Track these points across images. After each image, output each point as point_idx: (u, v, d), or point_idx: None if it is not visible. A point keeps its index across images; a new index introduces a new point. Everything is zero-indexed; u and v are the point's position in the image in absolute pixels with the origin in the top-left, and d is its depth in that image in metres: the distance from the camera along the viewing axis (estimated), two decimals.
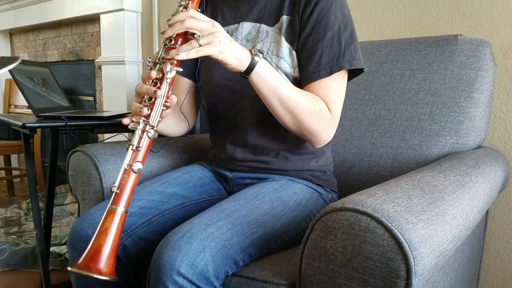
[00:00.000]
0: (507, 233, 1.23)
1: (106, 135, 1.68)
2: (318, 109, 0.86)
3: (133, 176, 0.72)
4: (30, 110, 1.42)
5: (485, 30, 1.22)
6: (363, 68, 0.91)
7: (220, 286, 0.74)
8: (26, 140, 1.37)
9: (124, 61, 2.19)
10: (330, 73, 0.87)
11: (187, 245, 0.71)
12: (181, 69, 0.78)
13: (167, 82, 0.76)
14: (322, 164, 1.01)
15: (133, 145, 0.73)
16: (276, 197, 0.89)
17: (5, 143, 2.61)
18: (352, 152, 1.18)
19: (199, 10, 0.82)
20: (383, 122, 1.16)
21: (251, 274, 0.77)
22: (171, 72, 0.75)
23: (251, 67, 0.80)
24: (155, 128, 0.75)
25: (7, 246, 1.67)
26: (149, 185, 0.97)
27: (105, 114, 1.40)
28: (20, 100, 2.78)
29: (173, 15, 0.79)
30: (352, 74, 0.92)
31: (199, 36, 0.75)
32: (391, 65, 1.19)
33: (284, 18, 0.93)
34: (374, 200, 0.62)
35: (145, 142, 0.74)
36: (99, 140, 2.20)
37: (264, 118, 0.94)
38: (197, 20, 0.75)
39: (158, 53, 0.78)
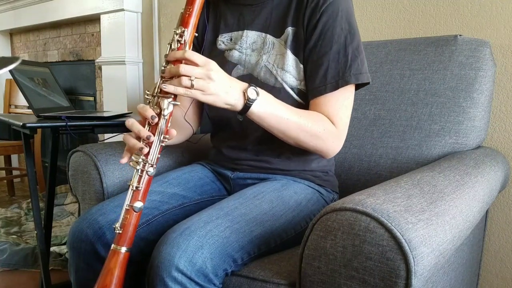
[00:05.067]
0: (506, 233, 1.23)
1: (106, 135, 1.68)
2: (323, 130, 0.86)
3: (134, 215, 0.74)
4: (31, 110, 1.42)
5: (485, 30, 1.22)
6: (369, 82, 0.90)
7: (220, 284, 0.74)
8: (26, 140, 1.37)
9: (124, 61, 2.20)
10: (336, 87, 0.87)
11: (185, 242, 0.72)
12: (178, 103, 0.77)
13: (164, 118, 0.75)
14: (323, 164, 1.02)
15: (133, 186, 0.75)
16: (276, 196, 0.89)
17: (6, 143, 2.61)
18: (352, 152, 1.18)
19: (197, 35, 0.81)
20: (383, 122, 1.16)
21: (251, 273, 0.77)
22: (168, 108, 0.75)
23: (245, 110, 0.80)
24: (154, 166, 0.76)
25: (7, 246, 1.67)
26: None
27: (105, 114, 1.40)
28: (21, 100, 2.78)
29: (169, 44, 0.77)
30: (358, 85, 0.92)
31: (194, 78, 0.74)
32: (391, 65, 1.19)
33: (290, 30, 0.92)
34: (374, 200, 0.62)
35: (145, 181, 0.75)
36: (99, 140, 2.20)
37: None
38: (192, 67, 0.74)
39: (156, 86, 0.78)
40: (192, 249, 0.71)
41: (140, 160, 0.75)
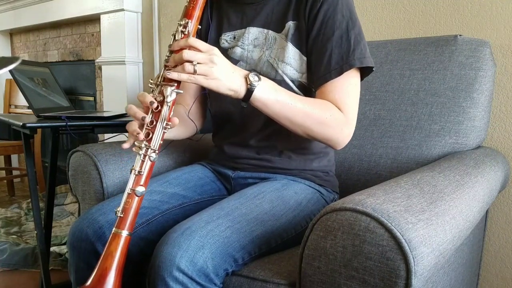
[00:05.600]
0: (506, 233, 1.23)
1: (106, 135, 1.68)
2: (330, 115, 0.85)
3: (136, 200, 0.74)
4: (31, 110, 1.42)
5: (485, 30, 1.22)
6: (373, 68, 0.89)
7: (220, 283, 0.74)
8: (26, 140, 1.37)
9: (124, 61, 2.20)
10: (341, 72, 0.86)
11: (186, 241, 0.72)
12: (181, 91, 0.78)
13: (167, 105, 0.77)
14: (324, 164, 1.02)
15: (135, 170, 0.75)
16: (277, 196, 0.89)
17: (6, 143, 2.61)
18: (352, 152, 1.18)
19: (200, 27, 0.82)
20: (383, 122, 1.16)
21: (251, 273, 0.77)
22: (171, 95, 0.76)
23: (248, 95, 0.80)
24: (157, 152, 0.76)
25: (7, 246, 1.67)
26: (150, 185, 0.97)
27: (105, 114, 1.40)
28: (21, 100, 2.78)
29: (173, 35, 0.79)
30: (363, 74, 0.91)
31: (197, 63, 0.75)
32: (391, 65, 1.19)
33: (291, 24, 0.93)
34: (374, 200, 0.62)
35: (147, 166, 0.76)
36: (99, 140, 2.20)
37: (269, 121, 0.94)
38: (195, 53, 0.75)
39: (159, 75, 0.79)
40: (193, 249, 0.71)
41: (143, 145, 0.76)
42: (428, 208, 0.66)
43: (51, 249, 1.61)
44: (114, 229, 0.73)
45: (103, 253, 0.72)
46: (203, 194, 1.01)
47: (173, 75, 0.75)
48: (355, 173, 1.16)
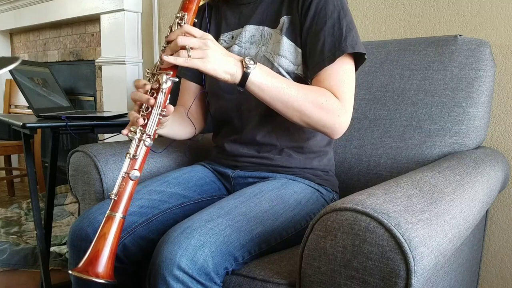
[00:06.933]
0: (506, 233, 1.23)
1: (106, 135, 1.68)
2: (325, 101, 0.86)
3: (130, 183, 0.75)
4: (31, 110, 1.42)
5: (485, 30, 1.22)
6: (365, 55, 0.90)
7: (220, 282, 0.75)
8: (26, 140, 1.37)
9: (124, 61, 2.20)
10: (333, 59, 0.87)
11: (186, 240, 0.72)
12: (176, 79, 0.80)
13: (163, 92, 0.78)
14: (324, 164, 1.02)
15: (130, 154, 0.76)
16: (276, 195, 0.89)
17: (6, 143, 2.61)
18: (351, 152, 1.18)
19: (196, 21, 0.85)
20: (383, 122, 1.16)
21: (251, 273, 0.77)
22: (166, 82, 0.78)
23: (244, 79, 0.81)
24: (152, 137, 0.78)
25: (7, 246, 1.67)
26: (149, 184, 0.97)
27: (105, 114, 1.40)
28: (21, 100, 2.78)
29: (170, 27, 0.82)
30: (356, 63, 0.92)
31: (190, 48, 0.77)
32: (391, 65, 1.19)
33: (285, 18, 0.95)
34: (374, 200, 0.62)
35: (142, 151, 0.77)
36: (99, 140, 2.20)
37: (268, 117, 0.96)
38: (189, 38, 0.77)
39: (155, 64, 0.81)
40: (193, 247, 0.71)
41: (138, 130, 0.77)
42: (428, 208, 0.66)
43: (51, 249, 1.61)
44: (108, 212, 0.73)
45: (96, 236, 0.72)
46: (203, 194, 1.01)
47: (170, 58, 0.77)
48: (355, 173, 1.16)
